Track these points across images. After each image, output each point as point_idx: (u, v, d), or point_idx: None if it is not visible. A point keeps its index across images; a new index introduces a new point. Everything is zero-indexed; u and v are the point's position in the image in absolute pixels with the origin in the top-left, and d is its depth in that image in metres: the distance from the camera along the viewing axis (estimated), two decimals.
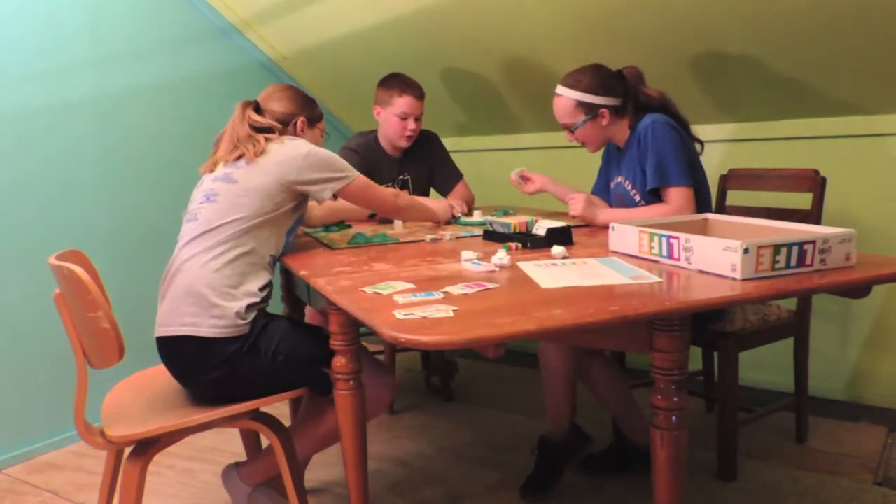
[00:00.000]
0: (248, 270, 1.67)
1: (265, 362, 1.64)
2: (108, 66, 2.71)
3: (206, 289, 1.62)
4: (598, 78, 2.04)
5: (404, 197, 2.11)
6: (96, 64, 2.67)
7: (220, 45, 3.11)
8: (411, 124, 2.56)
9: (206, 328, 1.60)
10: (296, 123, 1.98)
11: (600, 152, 2.25)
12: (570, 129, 2.10)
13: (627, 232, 1.60)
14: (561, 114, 2.09)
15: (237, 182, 1.72)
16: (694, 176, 1.96)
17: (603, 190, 2.28)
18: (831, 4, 2.06)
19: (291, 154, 1.76)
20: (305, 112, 2.01)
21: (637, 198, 2.05)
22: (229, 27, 3.11)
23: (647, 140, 1.97)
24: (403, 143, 2.60)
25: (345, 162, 1.88)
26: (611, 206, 2.18)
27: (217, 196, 1.71)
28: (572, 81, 2.06)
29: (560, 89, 2.08)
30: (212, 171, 1.82)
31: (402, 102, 2.54)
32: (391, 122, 2.57)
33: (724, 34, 2.31)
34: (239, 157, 1.77)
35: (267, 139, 1.82)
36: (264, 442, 1.96)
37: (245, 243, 1.68)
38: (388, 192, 2.03)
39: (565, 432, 2.09)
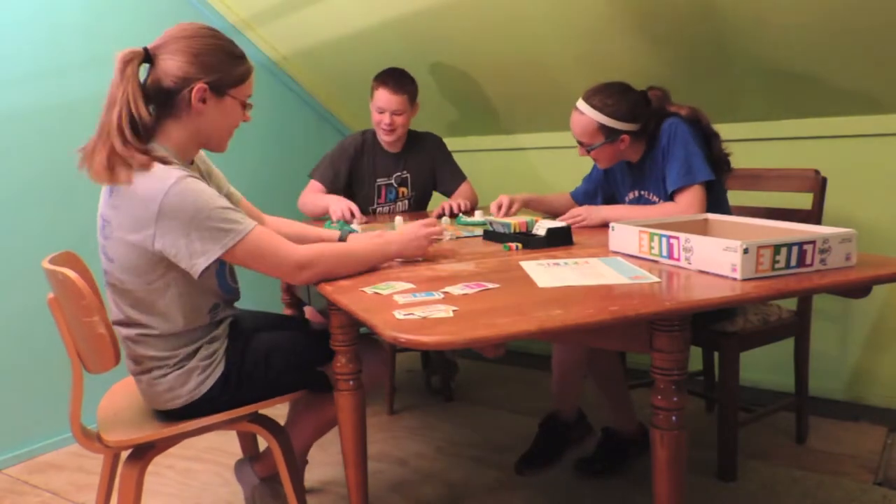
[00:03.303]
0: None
1: (257, 378, 1.58)
2: (108, 66, 2.69)
3: None
4: (624, 103, 1.97)
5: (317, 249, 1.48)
6: (96, 64, 2.66)
7: None
8: (386, 119, 2.55)
9: (184, 397, 1.52)
10: (190, 91, 1.38)
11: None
12: (585, 147, 2.04)
13: (627, 232, 1.60)
14: (579, 131, 2.02)
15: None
16: (715, 175, 1.95)
17: (583, 195, 2.30)
18: (832, 5, 2.06)
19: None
20: (209, 74, 1.39)
21: None
22: (229, 28, 3.10)
23: (670, 141, 1.93)
24: (384, 138, 2.61)
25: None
26: None
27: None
28: (598, 103, 1.97)
29: (583, 107, 1.99)
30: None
31: (378, 96, 2.56)
32: (373, 115, 2.57)
33: (724, 34, 2.31)
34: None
35: (141, 151, 1.32)
36: (261, 441, 1.96)
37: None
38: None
39: (574, 413, 2.10)
